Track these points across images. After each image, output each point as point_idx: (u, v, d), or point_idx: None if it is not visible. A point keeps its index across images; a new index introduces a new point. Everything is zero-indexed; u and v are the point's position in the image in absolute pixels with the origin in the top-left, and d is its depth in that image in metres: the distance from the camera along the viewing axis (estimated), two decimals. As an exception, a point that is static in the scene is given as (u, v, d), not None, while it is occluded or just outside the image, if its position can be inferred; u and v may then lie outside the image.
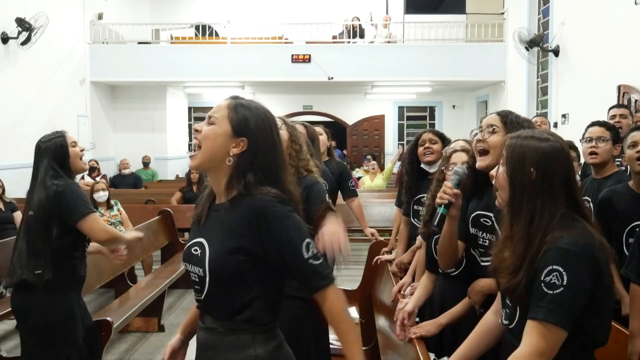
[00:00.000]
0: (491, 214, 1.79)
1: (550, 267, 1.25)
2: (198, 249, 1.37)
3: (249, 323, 1.35)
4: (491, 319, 1.59)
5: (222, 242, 1.34)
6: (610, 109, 3.63)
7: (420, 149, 2.86)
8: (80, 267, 2.45)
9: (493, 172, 1.45)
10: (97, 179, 7.20)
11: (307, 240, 1.33)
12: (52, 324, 2.29)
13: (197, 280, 1.38)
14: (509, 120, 1.76)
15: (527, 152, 1.34)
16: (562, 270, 1.24)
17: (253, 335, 1.34)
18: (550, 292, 1.24)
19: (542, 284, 1.25)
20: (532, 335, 1.25)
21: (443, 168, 2.27)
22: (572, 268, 1.24)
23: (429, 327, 2.05)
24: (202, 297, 1.39)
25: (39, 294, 2.28)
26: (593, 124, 2.87)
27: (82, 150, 2.52)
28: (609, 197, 2.45)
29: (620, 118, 3.46)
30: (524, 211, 1.33)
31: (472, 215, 1.86)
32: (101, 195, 5.25)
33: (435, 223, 1.75)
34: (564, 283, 1.23)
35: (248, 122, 1.36)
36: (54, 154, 2.40)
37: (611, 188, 2.51)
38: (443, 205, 1.73)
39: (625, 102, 5.48)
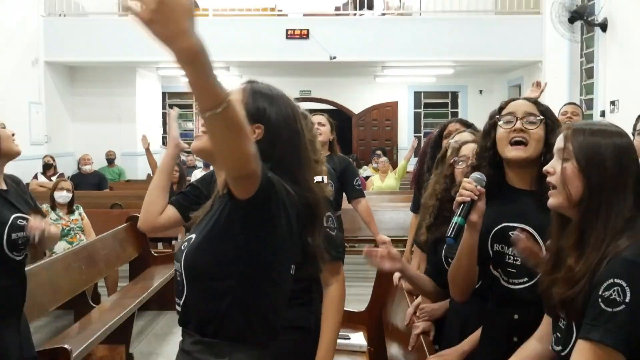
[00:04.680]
0: (526, 226, 1.75)
1: (611, 281, 1.25)
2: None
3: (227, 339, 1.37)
4: (533, 345, 1.60)
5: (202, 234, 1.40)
6: None
7: (446, 142, 2.86)
8: (9, 290, 2.34)
9: (549, 168, 1.46)
10: (53, 178, 7.21)
11: None
12: None
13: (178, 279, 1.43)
14: (545, 110, 1.84)
15: (603, 145, 1.37)
16: (624, 285, 1.23)
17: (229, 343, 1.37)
18: (609, 309, 1.23)
19: (600, 300, 1.25)
20: (584, 358, 1.25)
21: (452, 161, 2.28)
22: (638, 283, 1.24)
23: (450, 356, 2.05)
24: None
25: None
26: (648, 112, 2.87)
27: (13, 134, 2.45)
28: None
29: None
30: (601, 213, 1.34)
31: (496, 228, 1.80)
32: (63, 196, 5.33)
33: (451, 234, 1.65)
34: (627, 300, 1.22)
35: (267, 109, 1.42)
36: None
37: None
38: (460, 214, 1.66)
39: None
